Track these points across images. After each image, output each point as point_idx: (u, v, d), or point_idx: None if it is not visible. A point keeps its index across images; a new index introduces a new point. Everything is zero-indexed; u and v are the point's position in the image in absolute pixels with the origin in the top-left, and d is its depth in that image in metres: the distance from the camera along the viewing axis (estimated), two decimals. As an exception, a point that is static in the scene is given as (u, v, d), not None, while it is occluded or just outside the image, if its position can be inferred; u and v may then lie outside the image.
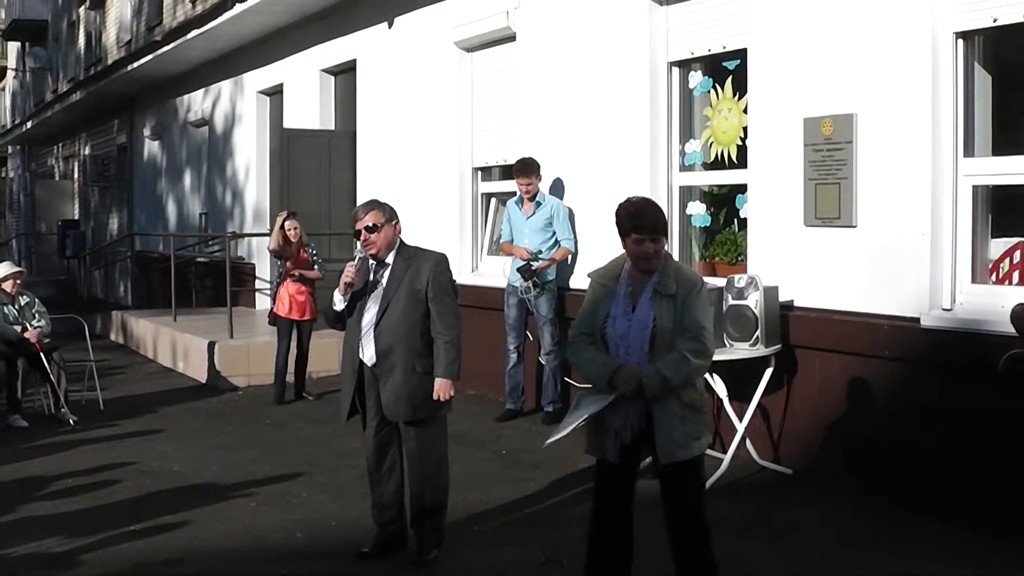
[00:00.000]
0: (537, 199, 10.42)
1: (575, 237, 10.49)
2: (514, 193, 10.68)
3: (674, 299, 5.14)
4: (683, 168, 9.81)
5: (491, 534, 7.20)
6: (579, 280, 10.60)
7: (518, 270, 10.35)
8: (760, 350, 8.05)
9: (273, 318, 12.59)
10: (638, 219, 5.25)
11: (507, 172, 11.97)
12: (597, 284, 5.45)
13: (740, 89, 9.12)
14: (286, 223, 12.21)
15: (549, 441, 5.59)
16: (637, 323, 5.18)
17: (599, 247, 10.30)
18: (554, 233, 10.39)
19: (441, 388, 6.47)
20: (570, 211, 10.53)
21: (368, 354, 6.52)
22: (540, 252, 10.33)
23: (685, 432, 5.15)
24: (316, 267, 12.36)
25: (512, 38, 11.77)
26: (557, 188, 10.84)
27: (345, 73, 15.85)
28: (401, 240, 6.65)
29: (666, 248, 5.36)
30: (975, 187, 7.38)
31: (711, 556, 5.30)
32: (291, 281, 12.26)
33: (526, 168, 10.43)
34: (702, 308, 5.17)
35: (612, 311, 5.29)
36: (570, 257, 10.56)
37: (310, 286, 12.34)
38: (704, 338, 5.10)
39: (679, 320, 5.12)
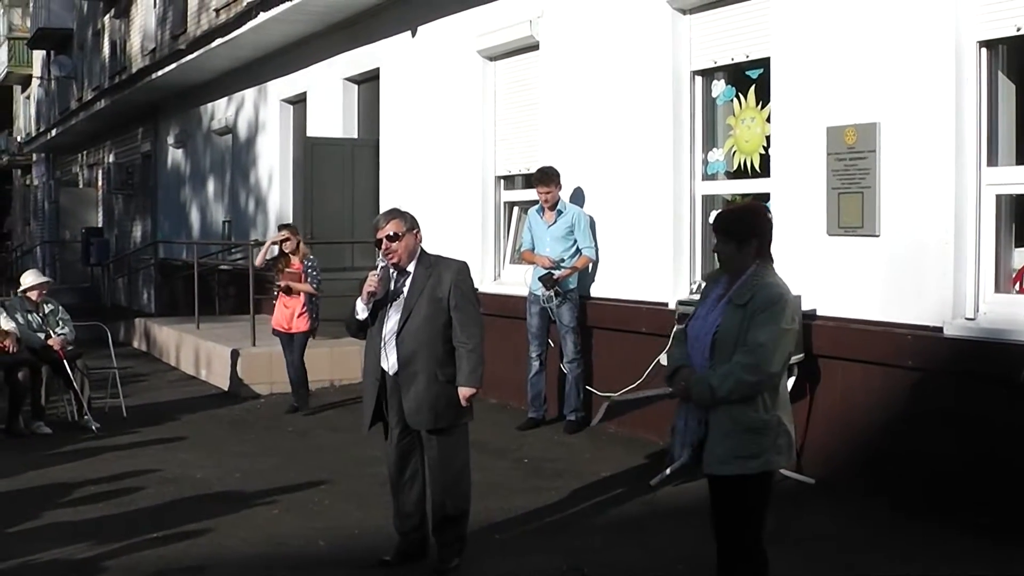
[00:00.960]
0: (558, 208, 10.43)
1: (596, 245, 10.48)
2: (536, 201, 10.68)
3: (744, 310, 5.01)
4: (706, 177, 9.80)
5: (513, 542, 7.20)
6: (600, 288, 10.60)
7: (540, 279, 10.35)
8: (782, 359, 8.01)
9: (274, 331, 12.44)
10: (714, 221, 5.27)
11: (530, 181, 11.98)
12: (704, 284, 5.45)
13: (763, 98, 9.11)
14: (280, 233, 12.27)
15: (594, 423, 5.56)
16: (707, 326, 5.11)
17: (622, 256, 10.32)
18: (575, 241, 10.39)
19: (464, 396, 6.49)
20: (591, 220, 10.53)
21: (390, 362, 6.53)
22: (562, 260, 10.33)
23: (729, 449, 5.00)
24: (310, 280, 12.09)
25: (535, 47, 11.78)
26: (579, 197, 10.84)
27: (368, 82, 15.89)
28: (422, 249, 6.65)
29: (764, 260, 5.15)
30: (999, 196, 7.35)
31: None
32: (281, 292, 12.11)
33: (545, 177, 10.44)
34: (768, 325, 4.96)
35: (698, 311, 5.27)
36: (591, 265, 10.56)
37: (303, 297, 12.05)
38: (758, 355, 4.91)
39: (743, 332, 5.00)
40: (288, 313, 12.08)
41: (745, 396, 4.98)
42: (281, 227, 12.72)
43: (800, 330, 8.15)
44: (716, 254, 5.22)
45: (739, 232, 5.15)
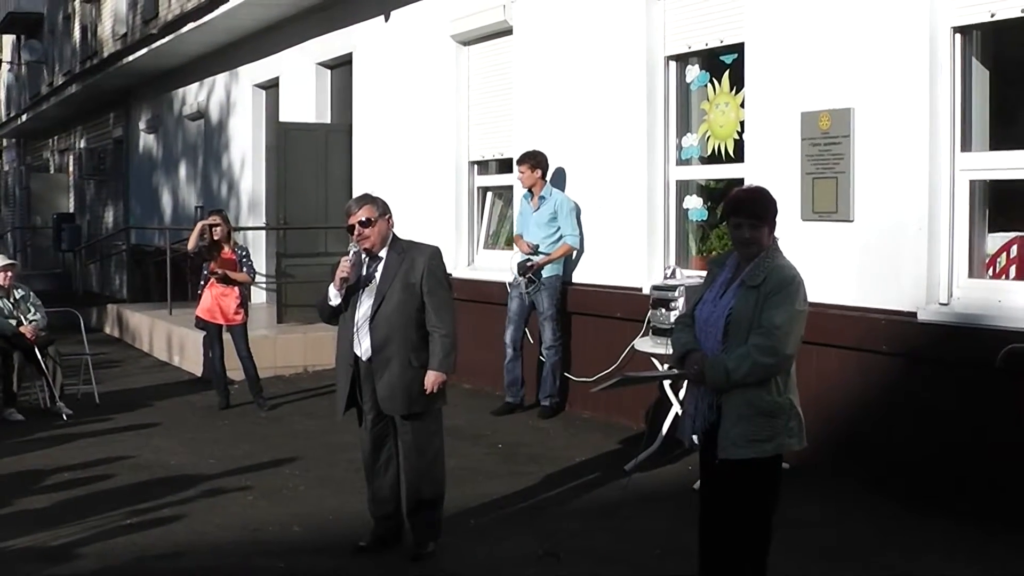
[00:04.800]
0: (542, 193, 10.40)
1: (580, 233, 10.41)
2: (512, 187, 10.66)
3: (757, 291, 4.98)
4: (680, 162, 9.81)
5: (488, 528, 7.20)
6: (582, 275, 10.58)
7: (517, 264, 10.34)
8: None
9: (199, 322, 11.96)
10: (736, 204, 5.20)
11: (503, 166, 11.99)
12: (708, 269, 5.43)
13: (737, 83, 9.11)
14: (210, 219, 11.63)
15: (597, 389, 5.53)
16: (719, 310, 5.08)
17: (596, 241, 10.32)
18: (559, 228, 10.35)
19: (433, 381, 6.45)
20: (576, 206, 10.43)
21: (363, 348, 6.51)
22: (539, 247, 10.30)
23: (744, 432, 4.97)
24: (245, 269, 11.67)
25: (509, 32, 11.76)
26: (554, 181, 10.80)
27: (341, 67, 15.83)
28: (394, 234, 6.64)
29: (773, 242, 5.14)
30: (972, 182, 7.37)
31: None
32: (215, 282, 11.52)
33: (523, 157, 10.44)
34: (783, 307, 4.93)
35: (706, 296, 5.23)
36: (574, 252, 10.52)
37: (238, 288, 11.62)
38: (774, 336, 4.88)
39: (757, 314, 4.97)
40: (226, 305, 11.58)
41: (760, 379, 4.95)
42: (211, 212, 12.25)
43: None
44: (740, 237, 5.11)
45: (768, 215, 5.13)
